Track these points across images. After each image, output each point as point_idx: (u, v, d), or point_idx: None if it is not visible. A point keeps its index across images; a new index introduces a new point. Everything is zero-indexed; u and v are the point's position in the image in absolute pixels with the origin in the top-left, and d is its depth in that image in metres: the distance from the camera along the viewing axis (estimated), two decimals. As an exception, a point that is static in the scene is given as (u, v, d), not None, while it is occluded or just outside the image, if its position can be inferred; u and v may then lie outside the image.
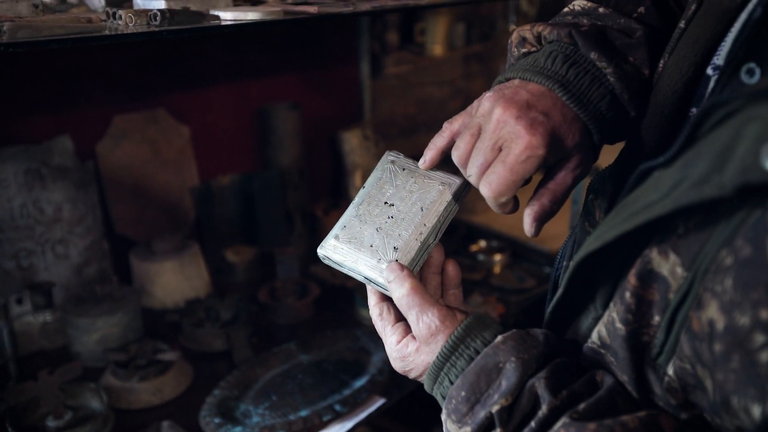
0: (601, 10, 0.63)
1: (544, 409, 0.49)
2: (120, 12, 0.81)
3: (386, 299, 0.64)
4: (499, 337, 0.55)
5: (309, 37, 1.83)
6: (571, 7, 0.66)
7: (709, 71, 0.53)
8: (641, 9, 0.62)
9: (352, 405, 1.20)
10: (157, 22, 0.80)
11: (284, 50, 1.79)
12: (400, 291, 0.59)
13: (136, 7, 0.91)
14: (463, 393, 0.53)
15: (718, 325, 0.41)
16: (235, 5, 0.99)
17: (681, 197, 0.41)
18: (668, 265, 0.46)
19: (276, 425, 1.15)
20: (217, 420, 1.17)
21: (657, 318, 0.47)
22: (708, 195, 0.39)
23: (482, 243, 1.88)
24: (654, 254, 0.47)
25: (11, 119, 1.37)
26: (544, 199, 0.58)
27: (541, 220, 0.58)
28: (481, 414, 0.52)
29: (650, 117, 0.58)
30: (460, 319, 0.58)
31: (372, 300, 0.65)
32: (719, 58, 0.52)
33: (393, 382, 1.28)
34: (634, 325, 0.48)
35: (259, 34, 1.69)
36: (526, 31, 0.63)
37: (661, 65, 0.58)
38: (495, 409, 0.51)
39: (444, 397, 0.56)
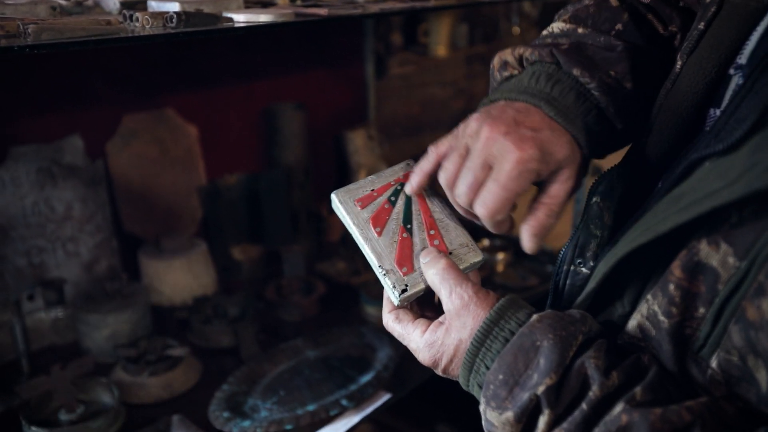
0: (580, 30, 0.64)
1: (595, 390, 0.47)
2: (137, 14, 0.83)
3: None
4: (535, 316, 0.53)
5: (315, 38, 1.85)
6: (550, 30, 0.68)
7: (731, 71, 0.53)
8: (619, 26, 0.64)
9: (358, 400, 1.22)
10: (173, 24, 0.82)
11: (290, 51, 1.81)
12: (436, 267, 0.58)
13: (150, 10, 0.93)
14: (500, 376, 0.50)
15: None
16: (246, 7, 1.01)
17: (754, 181, 0.41)
18: (718, 256, 0.45)
19: (284, 419, 1.17)
20: (226, 414, 1.19)
21: (702, 310, 0.47)
22: None
23: (485, 241, 1.90)
24: (702, 245, 0.46)
25: (23, 119, 1.39)
26: (540, 214, 0.57)
27: (538, 236, 0.58)
28: (523, 396, 0.49)
29: (666, 117, 0.58)
30: (493, 298, 0.56)
31: (387, 307, 0.63)
32: (742, 58, 0.52)
33: (398, 377, 1.30)
34: (677, 318, 0.48)
35: (266, 35, 1.71)
36: (508, 54, 0.64)
37: (678, 67, 0.58)
38: (540, 390, 0.48)
39: (481, 387, 0.53)
